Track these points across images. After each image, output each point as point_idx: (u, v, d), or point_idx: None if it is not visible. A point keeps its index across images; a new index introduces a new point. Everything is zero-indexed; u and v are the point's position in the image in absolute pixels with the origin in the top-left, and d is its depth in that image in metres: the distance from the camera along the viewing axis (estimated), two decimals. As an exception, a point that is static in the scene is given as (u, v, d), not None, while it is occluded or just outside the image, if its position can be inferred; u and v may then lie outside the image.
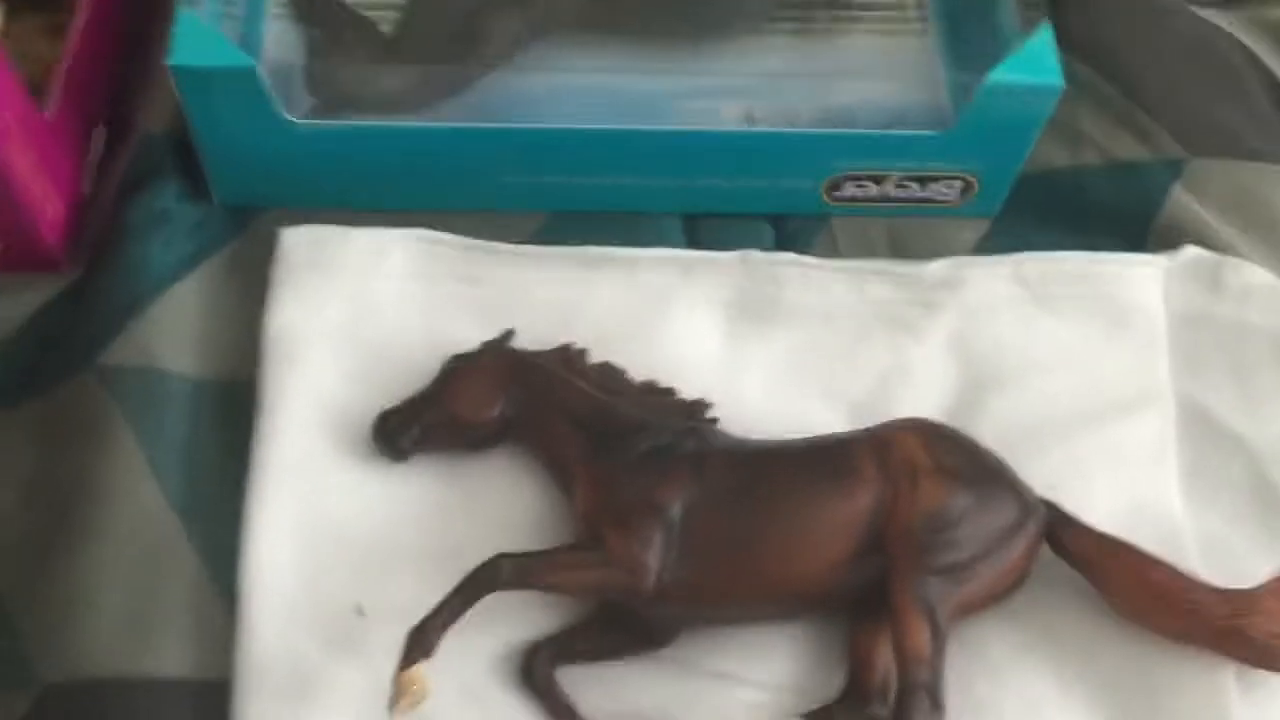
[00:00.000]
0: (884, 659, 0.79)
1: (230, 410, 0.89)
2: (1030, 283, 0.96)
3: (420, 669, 0.72)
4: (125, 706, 0.76)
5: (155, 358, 0.89)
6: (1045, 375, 0.92)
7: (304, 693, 0.77)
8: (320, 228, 0.95)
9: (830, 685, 0.80)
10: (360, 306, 0.93)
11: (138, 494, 0.84)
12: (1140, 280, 0.96)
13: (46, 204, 0.93)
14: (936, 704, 0.72)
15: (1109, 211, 1.01)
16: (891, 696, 0.77)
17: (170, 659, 0.79)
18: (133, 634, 0.79)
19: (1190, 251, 0.98)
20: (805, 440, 0.84)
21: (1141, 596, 0.79)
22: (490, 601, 0.76)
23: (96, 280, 0.94)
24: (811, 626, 0.83)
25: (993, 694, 0.79)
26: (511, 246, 0.97)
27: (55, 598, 0.80)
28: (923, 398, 0.92)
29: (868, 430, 0.84)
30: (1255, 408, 0.92)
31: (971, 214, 1.02)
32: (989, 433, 0.86)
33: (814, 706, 0.79)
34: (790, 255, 0.98)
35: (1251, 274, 0.97)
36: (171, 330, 0.91)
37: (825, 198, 1.00)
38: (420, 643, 0.73)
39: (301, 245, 0.94)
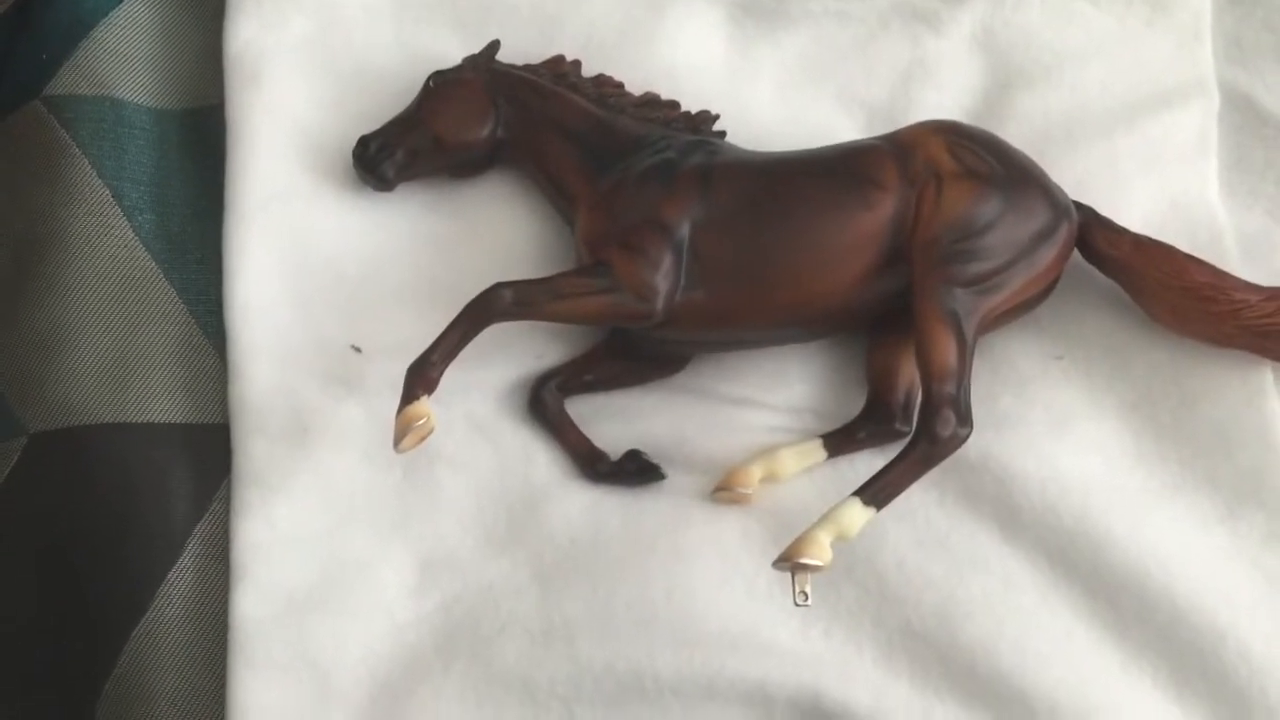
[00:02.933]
0: (906, 376, 0.76)
1: (197, 140, 0.83)
2: (1064, -36, 0.88)
3: (424, 404, 0.69)
4: (114, 451, 0.74)
5: (108, 85, 0.82)
6: (1079, 68, 0.86)
7: (305, 433, 0.75)
8: (276, -69, 0.86)
9: (849, 406, 0.78)
10: (326, 19, 0.86)
11: (106, 231, 0.79)
12: (1185, -44, 0.88)
13: (-29, -80, 0.85)
14: (963, 418, 0.69)
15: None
16: (914, 413, 0.74)
17: (158, 403, 0.76)
18: (116, 379, 0.76)
19: (1241, -81, 0.89)
20: (820, 149, 0.78)
21: (1180, 299, 0.75)
22: (493, 334, 0.72)
23: (37, 1, 0.85)
24: (828, 348, 0.80)
25: (1018, 407, 0.77)
26: (489, -54, 0.88)
27: (32, 347, 0.76)
28: (946, 98, 0.86)
29: (888, 135, 0.78)
30: (1305, 92, 0.86)
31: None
32: (1018, 133, 0.81)
33: (834, 427, 0.77)
34: (799, -55, 0.89)
35: (1310, -59, 0.88)
36: (123, 54, 0.84)
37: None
38: (421, 377, 0.70)
39: (257, -49, 0.86)
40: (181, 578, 0.72)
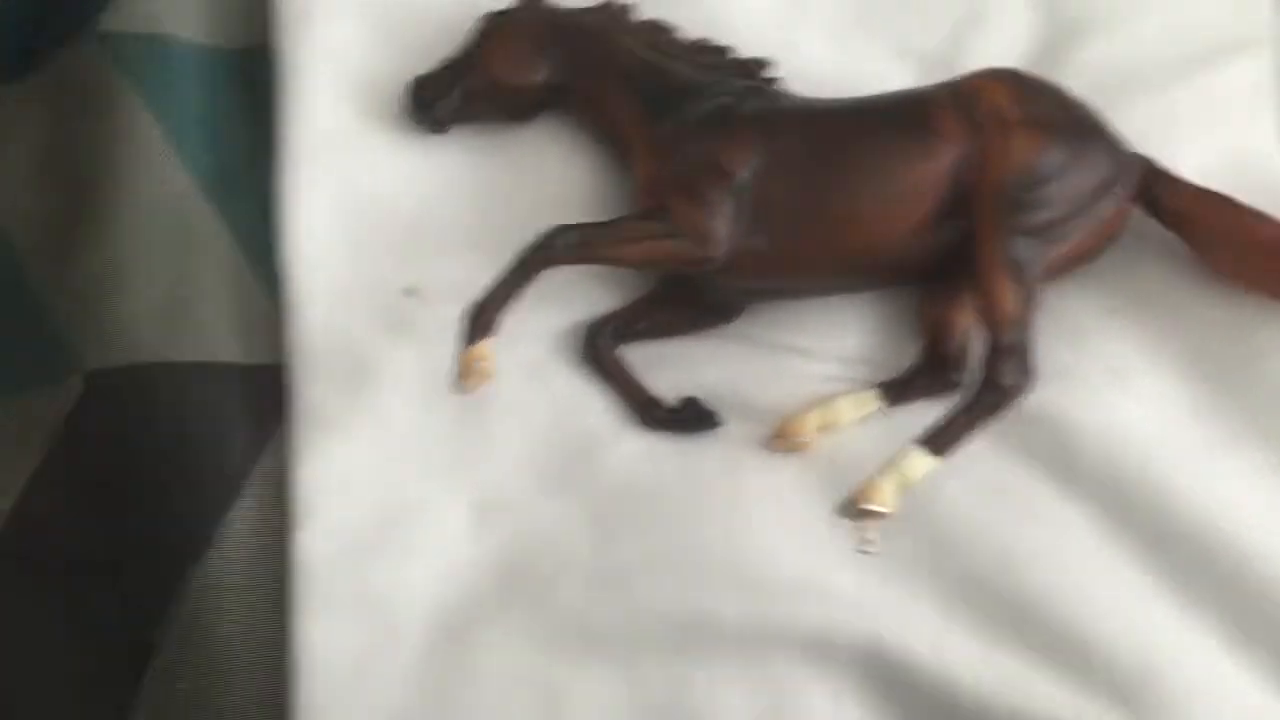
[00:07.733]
0: (960, 327, 0.75)
1: (249, 78, 0.82)
2: (1122, -89, 0.87)
3: (485, 346, 0.69)
4: (173, 390, 0.73)
5: (160, 22, 0.81)
6: (1135, 19, 0.85)
7: (361, 375, 0.74)
8: None
9: (903, 356, 0.77)
10: (379, -45, 0.84)
11: (160, 170, 0.78)
12: (1246, -96, 0.87)
13: None
14: (1026, 367, 0.69)
15: None
16: (967, 363, 0.74)
17: (215, 343, 0.75)
18: (172, 317, 0.75)
19: None
20: (879, 96, 0.77)
21: (1245, 254, 0.74)
22: (547, 279, 0.72)
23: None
24: (882, 298, 0.79)
25: (1077, 360, 0.76)
26: (543, -112, 0.87)
27: (88, 283, 0.75)
28: (999, 48, 0.85)
29: (948, 83, 0.77)
30: (1364, 44, 0.85)
31: None
32: (1073, 84, 0.79)
33: (888, 377, 0.77)
34: (852, -109, 0.88)
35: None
36: (174, -10, 0.83)
37: None
38: (481, 320, 0.70)
39: (307, -114, 0.84)
40: (240, 518, 0.71)
